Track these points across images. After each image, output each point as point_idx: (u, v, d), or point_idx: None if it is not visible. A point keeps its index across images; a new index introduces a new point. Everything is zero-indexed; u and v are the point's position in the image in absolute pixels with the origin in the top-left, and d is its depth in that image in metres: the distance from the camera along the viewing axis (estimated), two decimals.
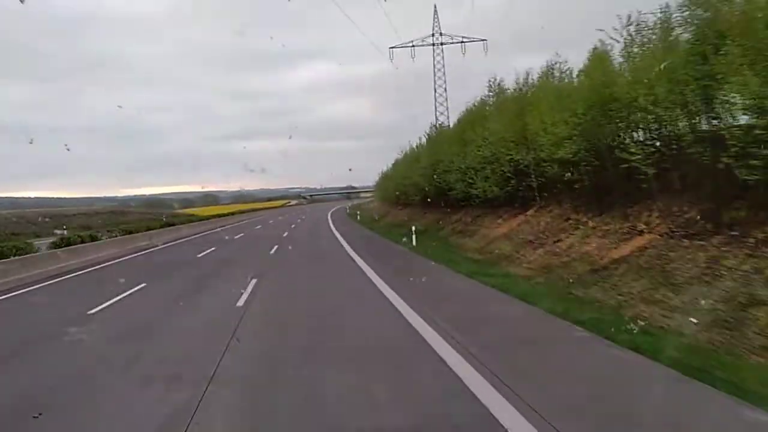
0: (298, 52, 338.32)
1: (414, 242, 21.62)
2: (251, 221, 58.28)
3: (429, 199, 33.10)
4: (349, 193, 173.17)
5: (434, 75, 64.09)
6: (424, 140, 37.47)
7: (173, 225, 35.00)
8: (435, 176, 27.94)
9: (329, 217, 56.24)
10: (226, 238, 31.47)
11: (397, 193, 44.34)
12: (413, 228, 22.28)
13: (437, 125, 31.35)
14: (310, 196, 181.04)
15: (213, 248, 23.93)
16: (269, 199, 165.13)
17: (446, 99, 63.24)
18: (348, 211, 76.21)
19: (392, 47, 64.66)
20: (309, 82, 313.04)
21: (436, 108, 63.64)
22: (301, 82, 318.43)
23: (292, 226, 42.23)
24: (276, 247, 22.86)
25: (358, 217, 50.04)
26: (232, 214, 65.49)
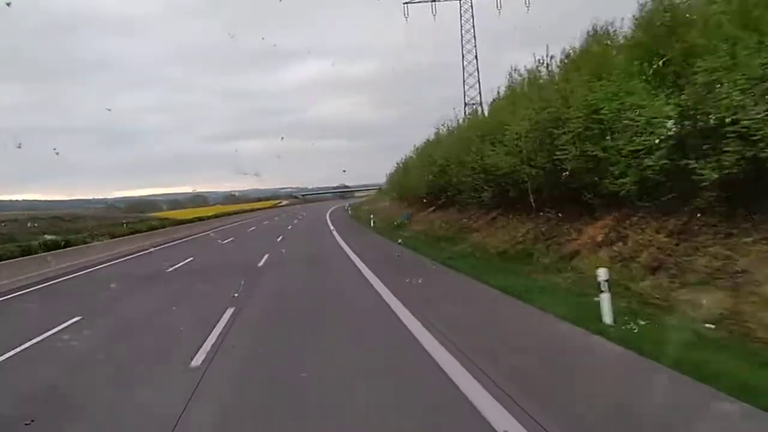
0: (290, 52, 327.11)
1: (611, 318, 7.79)
2: (229, 228, 44.33)
3: (509, 195, 19.44)
4: (343, 192, 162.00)
5: (461, 38, 50.55)
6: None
7: (72, 246, 21.02)
8: (556, 148, 14.32)
9: (330, 222, 42.31)
10: (153, 271, 17.48)
11: (432, 187, 30.54)
12: (603, 279, 8.29)
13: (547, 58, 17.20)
14: (302, 195, 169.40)
15: (75, 319, 10.08)
16: (259, 199, 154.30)
17: (477, 68, 49.66)
18: (349, 212, 62.37)
19: (407, 2, 51.19)
20: (302, 82, 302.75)
21: (464, 80, 50.08)
22: (294, 81, 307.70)
23: (279, 238, 28.36)
24: (227, 315, 9.15)
25: (372, 223, 36.16)
26: (201, 219, 51.60)
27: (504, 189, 19.97)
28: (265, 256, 18.66)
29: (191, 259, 19.47)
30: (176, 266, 17.51)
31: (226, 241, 28.66)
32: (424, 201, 32.77)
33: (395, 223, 35.44)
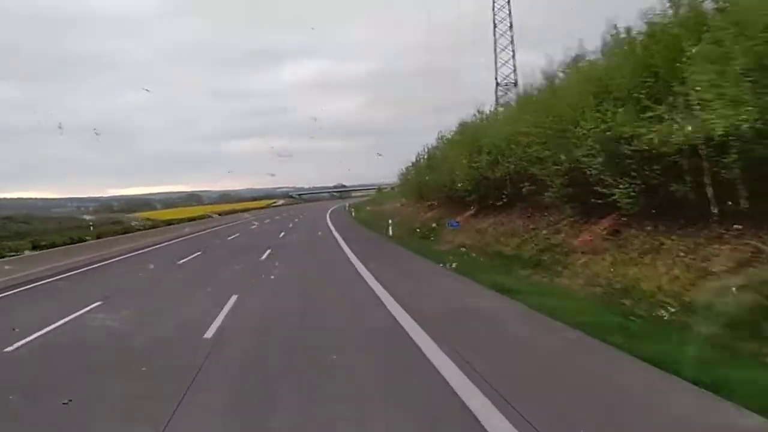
0: (288, 51, 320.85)
1: None
2: (206, 234, 35.66)
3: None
4: (341, 192, 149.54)
5: (494, 15, 41.99)
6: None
7: None
8: None
9: (333, 228, 33.55)
10: None
11: (479, 183, 21.78)
12: None
13: None
14: (299, 195, 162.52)
15: None
16: (254, 199, 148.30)
17: (512, 42, 41.17)
18: (353, 214, 53.86)
19: None
20: (299, 81, 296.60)
21: (496, 54, 41.49)
22: (291, 81, 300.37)
23: (264, 255, 19.65)
24: None
25: (390, 232, 27.53)
26: (178, 220, 43.47)
27: (649, 181, 11.30)
28: (226, 309, 9.90)
29: (94, 307, 10.60)
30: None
31: (183, 260, 19.81)
32: (466, 201, 24.09)
33: (418, 230, 26.84)
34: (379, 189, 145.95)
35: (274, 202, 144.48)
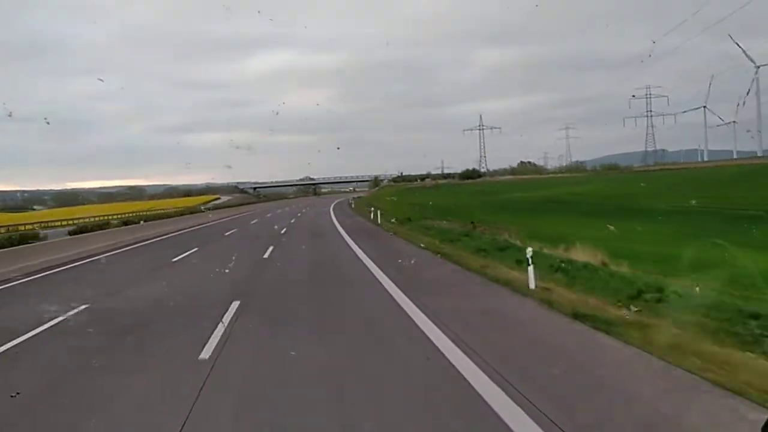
0: (253, 41, 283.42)
1: None
2: None
3: None
4: (314, 186, 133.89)
5: None
6: None
7: None
8: None
9: None
10: None
11: None
12: None
13: None
14: (254, 189, 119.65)
15: None
16: (187, 194, 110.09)
17: None
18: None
19: None
20: (265, 73, 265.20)
21: None
22: (257, 72, 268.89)
23: None
24: None
25: None
26: None
27: None
28: None
29: None
30: None
31: None
32: None
33: None
34: (376, 180, 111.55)
35: (216, 198, 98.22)
